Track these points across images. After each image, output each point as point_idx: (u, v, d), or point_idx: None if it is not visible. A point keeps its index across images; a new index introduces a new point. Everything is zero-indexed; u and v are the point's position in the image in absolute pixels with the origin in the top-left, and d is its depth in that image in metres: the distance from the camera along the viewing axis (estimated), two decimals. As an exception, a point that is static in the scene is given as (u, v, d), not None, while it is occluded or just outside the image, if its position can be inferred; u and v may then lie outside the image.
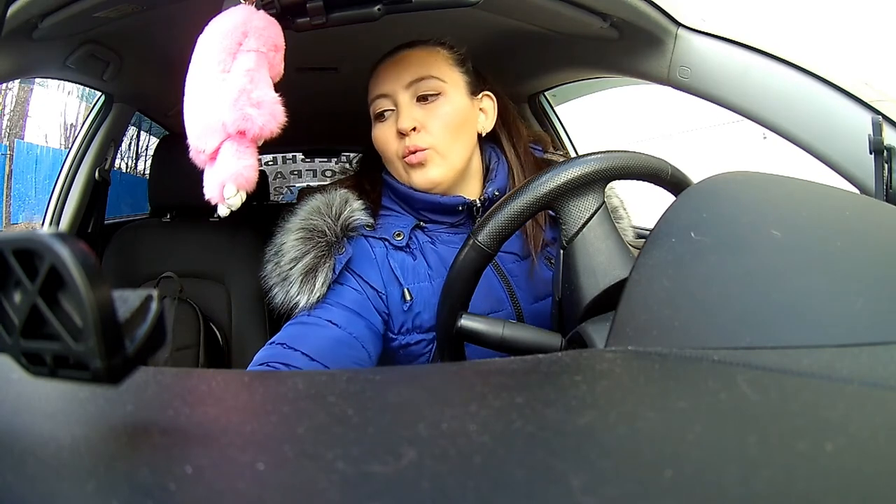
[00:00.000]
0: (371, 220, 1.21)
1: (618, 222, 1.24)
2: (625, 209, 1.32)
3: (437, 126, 1.17)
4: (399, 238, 1.20)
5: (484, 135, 1.27)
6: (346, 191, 1.22)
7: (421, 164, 1.17)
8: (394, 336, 1.18)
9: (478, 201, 1.22)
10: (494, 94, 1.29)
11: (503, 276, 1.22)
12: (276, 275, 1.14)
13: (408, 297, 1.16)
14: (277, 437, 0.35)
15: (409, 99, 1.18)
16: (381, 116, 1.21)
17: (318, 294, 1.11)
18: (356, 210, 1.19)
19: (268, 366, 1.03)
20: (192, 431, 0.36)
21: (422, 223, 1.24)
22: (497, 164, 1.28)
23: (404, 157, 1.18)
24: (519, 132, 1.33)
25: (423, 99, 1.18)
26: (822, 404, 0.39)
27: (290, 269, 1.12)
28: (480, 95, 1.26)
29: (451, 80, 1.21)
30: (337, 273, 1.13)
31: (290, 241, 1.15)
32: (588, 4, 1.38)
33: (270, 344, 1.08)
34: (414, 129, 1.16)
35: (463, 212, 1.22)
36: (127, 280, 2.17)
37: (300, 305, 1.12)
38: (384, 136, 1.21)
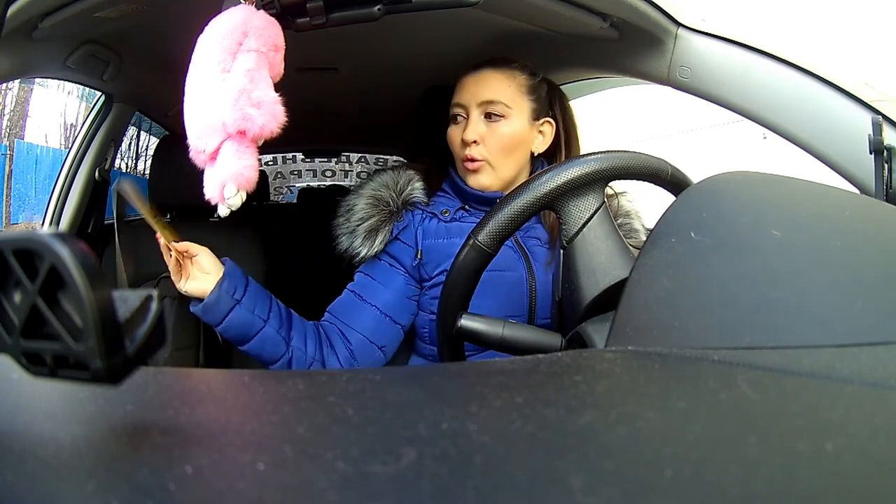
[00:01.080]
0: (426, 199, 1.47)
1: (634, 241, 1.29)
2: (646, 231, 1.41)
3: (494, 143, 1.39)
4: (446, 214, 1.44)
5: (537, 154, 1.48)
6: (413, 172, 1.48)
7: (476, 171, 1.41)
8: (427, 280, 1.43)
9: None
10: (557, 120, 1.49)
11: (523, 251, 1.40)
12: (346, 228, 1.42)
13: (418, 257, 1.41)
14: (277, 437, 0.35)
15: (478, 115, 1.40)
16: (455, 120, 1.44)
17: (376, 248, 1.40)
18: (416, 189, 1.46)
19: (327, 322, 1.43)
20: (192, 431, 0.36)
21: (466, 206, 1.46)
22: None
23: (464, 161, 1.41)
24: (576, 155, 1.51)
25: (489, 117, 1.40)
26: (822, 404, 0.39)
27: (358, 226, 1.40)
28: (542, 121, 1.46)
29: (517, 107, 1.41)
30: (394, 235, 1.42)
31: (360, 204, 1.42)
32: (588, 4, 1.38)
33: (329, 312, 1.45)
34: (475, 142, 1.39)
35: None
36: (127, 280, 2.16)
37: (362, 255, 1.41)
38: (454, 137, 1.44)
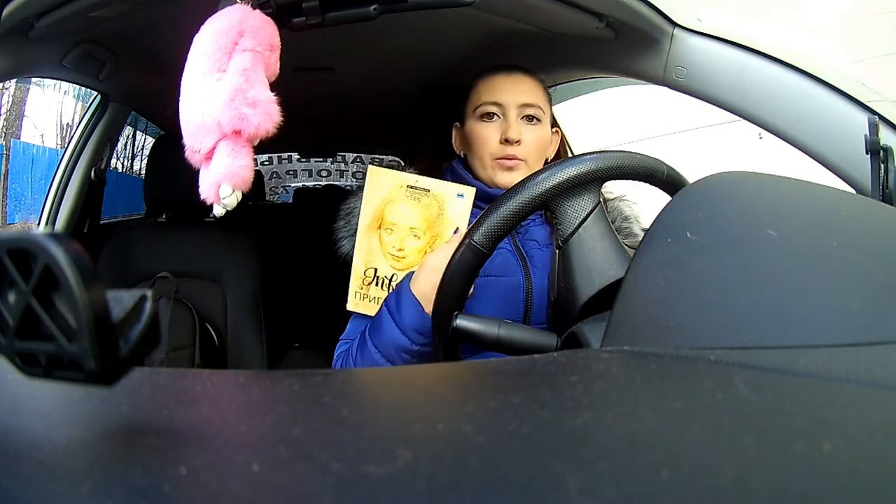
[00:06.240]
0: None
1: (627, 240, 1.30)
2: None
3: (532, 144, 1.42)
4: None
5: (549, 160, 1.51)
6: (413, 170, 1.41)
7: (511, 169, 1.41)
8: None
9: None
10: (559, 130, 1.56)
11: (521, 255, 1.38)
12: (347, 231, 1.42)
13: None
14: (272, 437, 0.35)
15: (516, 115, 1.42)
16: (487, 117, 1.44)
17: None
18: None
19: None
20: (186, 432, 0.36)
21: None
22: None
23: (499, 158, 1.41)
24: None
25: (527, 119, 1.43)
26: (819, 404, 0.39)
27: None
28: (554, 129, 1.52)
29: (546, 111, 1.46)
30: None
31: (360, 206, 1.37)
32: (584, 4, 1.38)
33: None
34: (518, 141, 1.39)
35: None
36: (123, 280, 2.16)
37: None
38: (487, 135, 1.43)
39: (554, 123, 1.52)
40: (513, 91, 1.42)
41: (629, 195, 1.47)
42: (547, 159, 1.49)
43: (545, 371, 0.49)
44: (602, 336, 0.62)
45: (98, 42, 1.64)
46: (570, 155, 1.59)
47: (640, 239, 1.34)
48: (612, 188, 1.45)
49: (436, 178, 1.38)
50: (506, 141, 1.39)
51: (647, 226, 1.37)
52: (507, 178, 1.40)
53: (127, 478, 0.29)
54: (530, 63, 1.49)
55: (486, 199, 1.38)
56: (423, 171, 1.40)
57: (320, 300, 1.46)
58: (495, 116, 1.43)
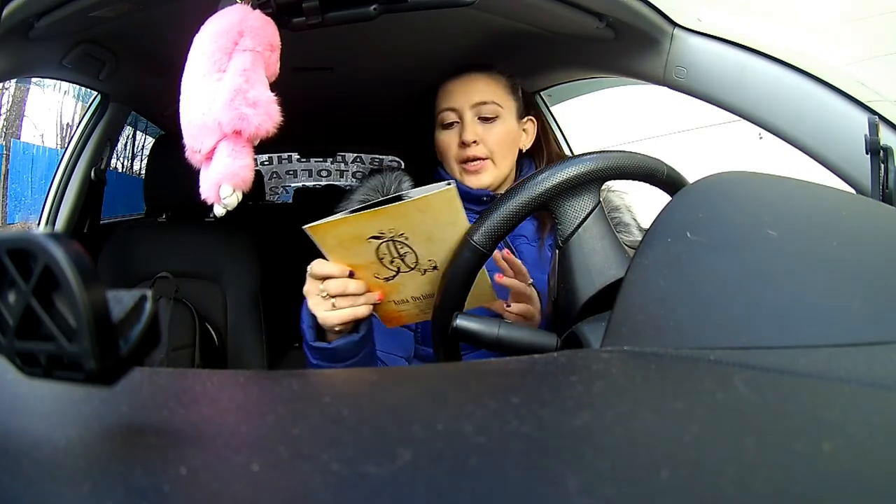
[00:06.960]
0: None
1: (625, 236, 1.30)
2: (638, 226, 1.42)
3: (493, 142, 1.42)
4: None
5: (524, 150, 1.53)
6: (402, 173, 1.48)
7: (477, 171, 1.42)
8: None
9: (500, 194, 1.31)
10: (536, 119, 1.56)
11: (510, 250, 1.37)
12: None
13: None
14: (272, 437, 0.35)
15: (472, 117, 1.43)
16: (447, 126, 1.46)
17: None
18: (404, 189, 1.42)
19: None
20: (186, 432, 0.36)
21: None
22: (527, 171, 1.51)
23: (461, 162, 1.43)
24: (553, 153, 1.62)
25: (483, 119, 1.43)
26: (819, 404, 0.39)
27: None
28: (525, 119, 1.52)
29: (506, 106, 1.46)
30: None
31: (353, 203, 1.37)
32: (584, 5, 1.38)
33: None
34: (475, 142, 1.41)
35: (487, 202, 1.41)
36: (123, 280, 2.16)
37: None
38: (448, 141, 1.45)
39: (526, 113, 1.53)
40: (464, 93, 1.44)
41: (617, 185, 1.44)
42: (521, 150, 1.51)
43: (545, 371, 0.49)
44: (602, 336, 0.62)
45: (98, 42, 1.63)
46: (557, 143, 1.60)
47: (631, 228, 1.37)
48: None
49: (431, 179, 1.39)
50: (463, 144, 1.41)
51: (638, 215, 1.38)
52: (475, 181, 1.43)
53: (127, 478, 0.29)
54: (531, 63, 1.49)
55: (470, 199, 1.41)
56: (421, 172, 1.44)
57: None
58: (454, 122, 1.44)
